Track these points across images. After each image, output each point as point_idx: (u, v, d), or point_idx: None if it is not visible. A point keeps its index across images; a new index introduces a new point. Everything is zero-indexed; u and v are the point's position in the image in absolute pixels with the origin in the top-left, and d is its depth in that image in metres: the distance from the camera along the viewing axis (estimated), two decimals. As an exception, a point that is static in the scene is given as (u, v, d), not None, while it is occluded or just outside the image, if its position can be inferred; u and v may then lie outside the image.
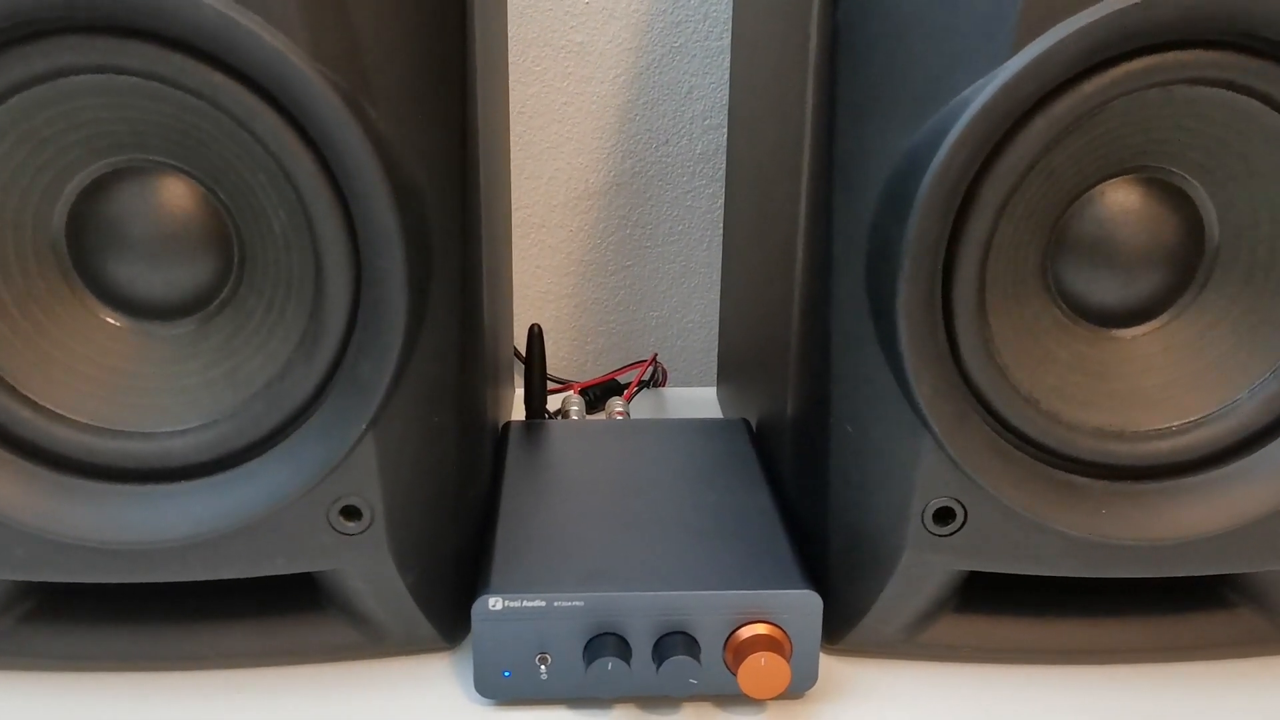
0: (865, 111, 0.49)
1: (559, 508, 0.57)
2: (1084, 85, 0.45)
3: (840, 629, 0.54)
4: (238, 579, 0.52)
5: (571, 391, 0.80)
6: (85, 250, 0.49)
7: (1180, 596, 0.55)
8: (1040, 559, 0.51)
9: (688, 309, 0.96)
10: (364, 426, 0.48)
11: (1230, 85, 0.46)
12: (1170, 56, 0.45)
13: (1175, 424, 0.51)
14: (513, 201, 0.92)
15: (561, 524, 0.55)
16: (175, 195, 0.49)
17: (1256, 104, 0.47)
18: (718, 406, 0.85)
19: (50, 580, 0.50)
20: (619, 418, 0.76)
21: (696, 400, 0.88)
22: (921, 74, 0.46)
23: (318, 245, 0.46)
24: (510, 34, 0.88)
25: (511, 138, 0.91)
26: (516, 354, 0.92)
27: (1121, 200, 0.50)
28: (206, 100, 0.45)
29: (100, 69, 0.45)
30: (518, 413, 0.77)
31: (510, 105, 0.90)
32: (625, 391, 0.82)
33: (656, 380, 0.90)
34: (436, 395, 0.51)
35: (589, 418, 0.77)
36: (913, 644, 0.54)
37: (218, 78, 0.44)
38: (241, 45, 0.42)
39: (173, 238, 0.49)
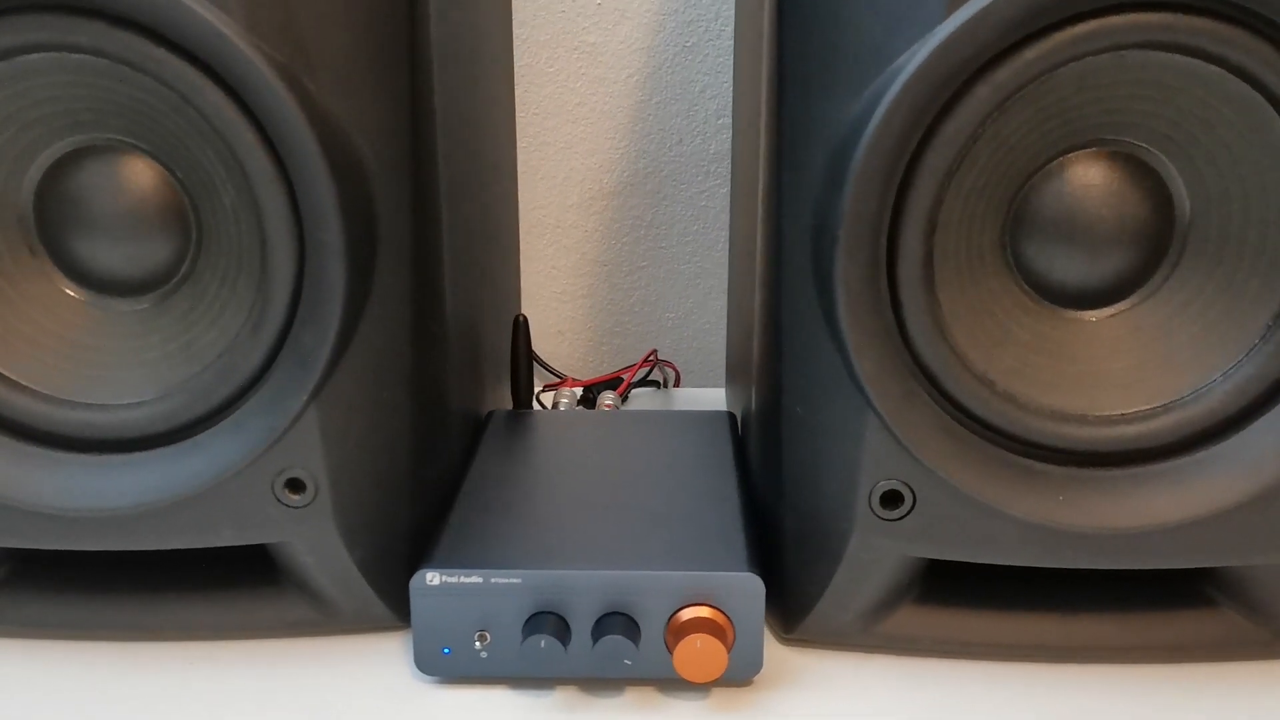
0: (810, 84, 0.48)
1: (521, 491, 0.57)
2: (1026, 51, 0.44)
3: (795, 616, 0.53)
4: (203, 553, 0.53)
5: (566, 385, 0.80)
6: (51, 226, 0.51)
7: (1159, 593, 0.53)
8: (995, 547, 0.49)
9: (703, 310, 0.95)
10: (305, 398, 0.48)
11: (1184, 49, 0.44)
12: (1116, 20, 0.43)
13: (1143, 408, 0.49)
14: (527, 202, 0.93)
15: (519, 506, 0.55)
16: (136, 173, 0.50)
17: (1215, 69, 0.45)
18: (725, 406, 0.84)
19: (6, 545, 0.51)
20: (606, 409, 0.75)
21: (705, 400, 0.87)
22: (861, 42, 0.45)
23: (262, 218, 0.47)
24: (523, 35, 0.89)
25: (525, 138, 0.91)
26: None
27: (1081, 175, 0.48)
28: (153, 76, 0.46)
29: (52, 47, 0.46)
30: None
31: (524, 106, 0.91)
32: (620, 386, 0.82)
33: (667, 380, 0.90)
34: (386, 372, 0.51)
35: (577, 410, 0.77)
36: (870, 634, 0.52)
37: (160, 53, 0.45)
38: (179, 20, 0.44)
39: (133, 216, 0.50)
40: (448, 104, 0.56)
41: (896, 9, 0.44)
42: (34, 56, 0.47)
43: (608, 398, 0.77)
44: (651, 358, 0.88)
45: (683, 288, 0.95)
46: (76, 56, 0.46)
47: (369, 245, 0.49)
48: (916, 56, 0.43)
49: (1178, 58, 0.45)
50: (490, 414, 0.68)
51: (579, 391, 0.82)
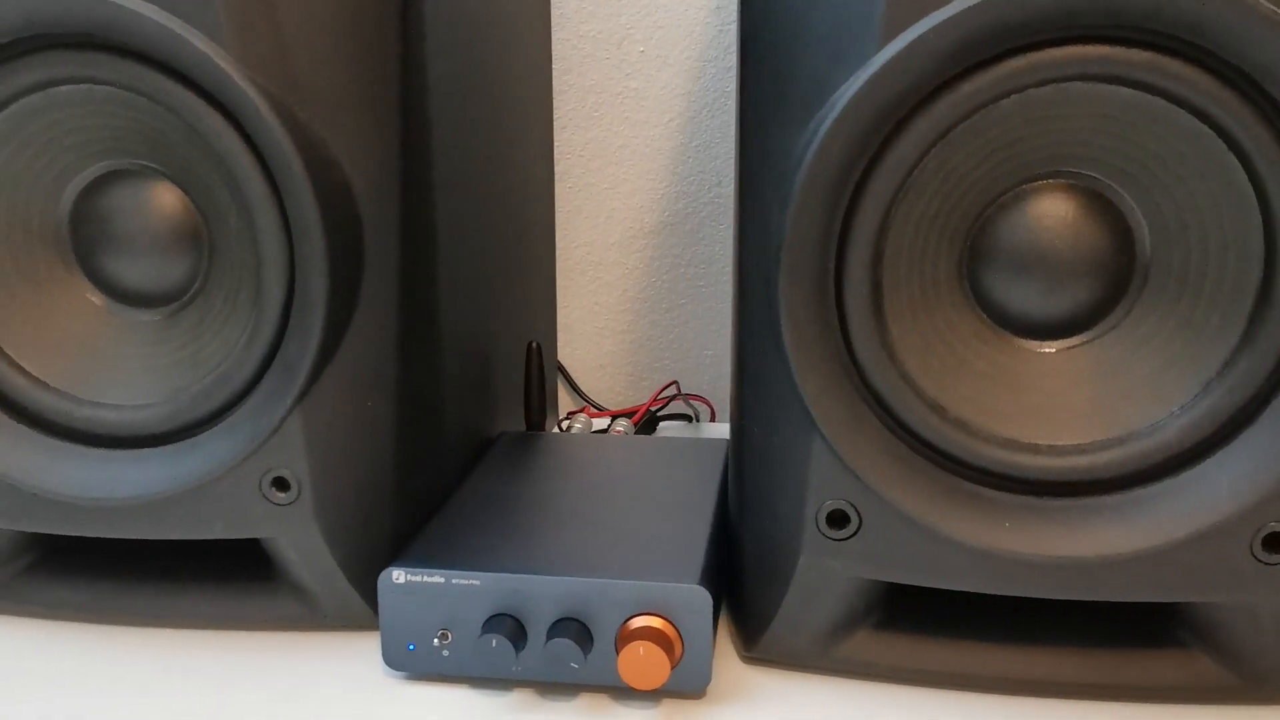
0: (764, 115, 0.50)
1: (506, 504, 0.59)
2: (963, 85, 0.45)
3: (752, 635, 0.53)
4: (210, 550, 0.58)
5: (584, 413, 0.82)
6: (83, 242, 0.56)
7: (1128, 632, 0.52)
8: (942, 571, 0.49)
9: (740, 348, 0.97)
10: (290, 402, 0.52)
11: (1127, 83, 0.45)
12: (1053, 53, 0.44)
13: (1097, 439, 0.49)
14: (570, 240, 0.96)
15: (500, 516, 0.57)
16: (158, 197, 0.55)
17: (1162, 103, 0.45)
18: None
19: (26, 529, 0.56)
20: (616, 435, 0.77)
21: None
22: (807, 75, 0.47)
23: (257, 236, 0.51)
24: (569, 81, 0.93)
25: (569, 179, 0.95)
26: (564, 373, 0.95)
27: (1040, 207, 0.49)
28: (164, 105, 0.51)
29: (79, 80, 0.52)
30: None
31: (568, 148, 0.94)
32: (635, 416, 0.84)
33: (698, 415, 0.91)
34: (370, 384, 0.55)
35: (582, 434, 0.79)
36: (827, 657, 0.52)
37: (169, 84, 0.50)
38: (181, 53, 0.48)
39: (155, 235, 0.55)
40: (448, 138, 0.59)
41: (837, 42, 0.46)
42: (63, 89, 0.52)
43: (620, 424, 0.79)
44: (673, 390, 0.89)
45: (720, 325, 0.97)
46: (101, 88, 0.52)
47: (353, 263, 0.53)
48: (850, 87, 0.44)
49: (1122, 91, 0.45)
50: (500, 435, 0.71)
51: (605, 422, 0.85)
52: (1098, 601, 0.51)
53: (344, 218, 0.52)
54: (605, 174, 0.95)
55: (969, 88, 0.45)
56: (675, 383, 0.91)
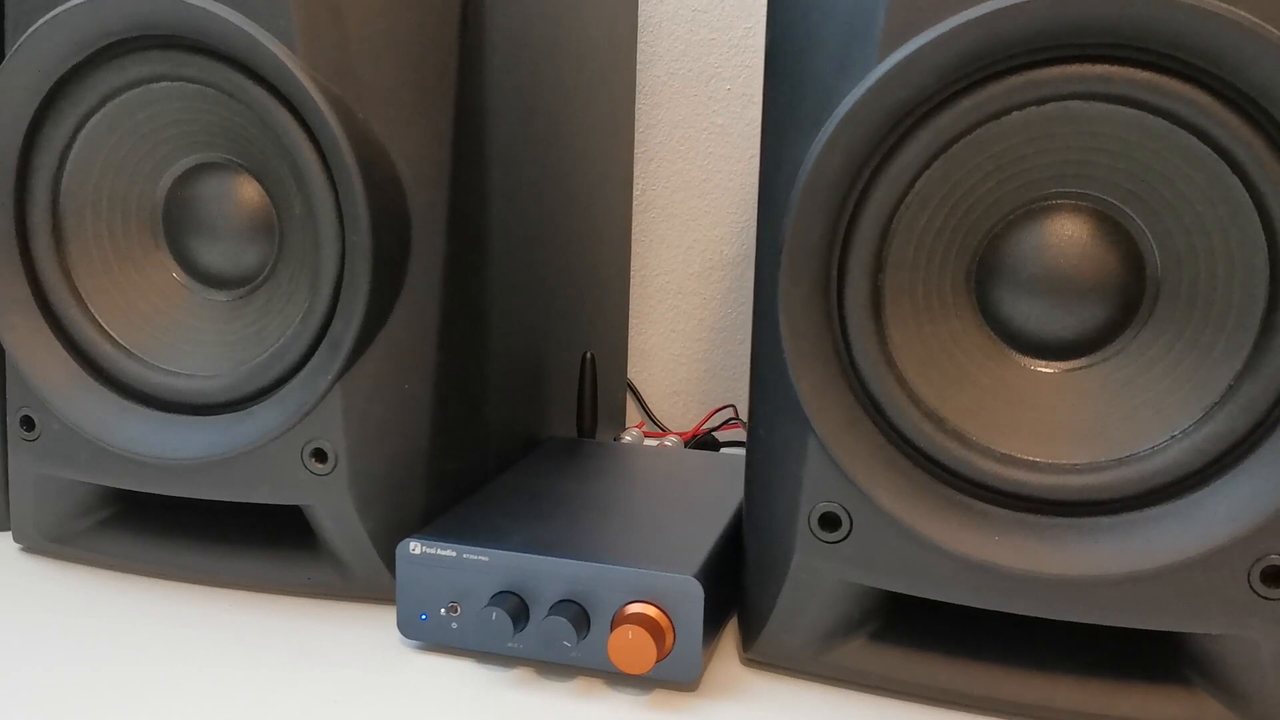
0: (780, 128, 0.52)
1: (535, 494, 0.62)
2: (964, 99, 0.46)
3: (750, 635, 0.54)
4: (265, 520, 0.62)
5: (636, 428, 0.85)
6: (173, 226, 0.62)
7: (1130, 664, 0.51)
8: (931, 581, 0.49)
9: (811, 383, 0.98)
10: (331, 378, 0.56)
11: (1127, 101, 0.45)
12: (1052, 71, 0.45)
13: (1097, 460, 0.48)
14: (651, 268, 0.99)
15: (526, 504, 0.60)
16: (239, 188, 0.60)
17: (1163, 123, 0.46)
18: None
19: (96, 482, 0.62)
20: (659, 447, 0.79)
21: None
22: (817, 85, 0.49)
23: (315, 223, 0.56)
24: (658, 116, 0.97)
25: (654, 209, 0.99)
26: (632, 389, 0.98)
27: (1046, 227, 0.49)
28: (241, 102, 0.57)
29: (173, 78, 0.58)
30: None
31: (655, 180, 0.98)
32: (686, 433, 0.85)
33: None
34: (410, 367, 0.59)
35: (627, 443, 0.81)
36: (821, 662, 0.53)
37: (245, 82, 0.56)
38: (255, 54, 0.54)
39: (234, 222, 0.61)
40: (507, 148, 0.63)
41: (844, 53, 0.48)
42: (160, 85, 0.58)
43: (669, 439, 0.81)
44: (729, 413, 0.91)
45: (793, 359, 0.98)
46: (192, 86, 0.58)
47: (399, 252, 0.57)
48: (851, 98, 0.46)
49: (1124, 110, 0.46)
50: (549, 438, 0.74)
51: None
52: (1100, 630, 0.51)
53: (392, 209, 0.56)
54: (688, 205, 0.98)
55: (969, 102, 0.46)
56: (732, 406, 0.93)
